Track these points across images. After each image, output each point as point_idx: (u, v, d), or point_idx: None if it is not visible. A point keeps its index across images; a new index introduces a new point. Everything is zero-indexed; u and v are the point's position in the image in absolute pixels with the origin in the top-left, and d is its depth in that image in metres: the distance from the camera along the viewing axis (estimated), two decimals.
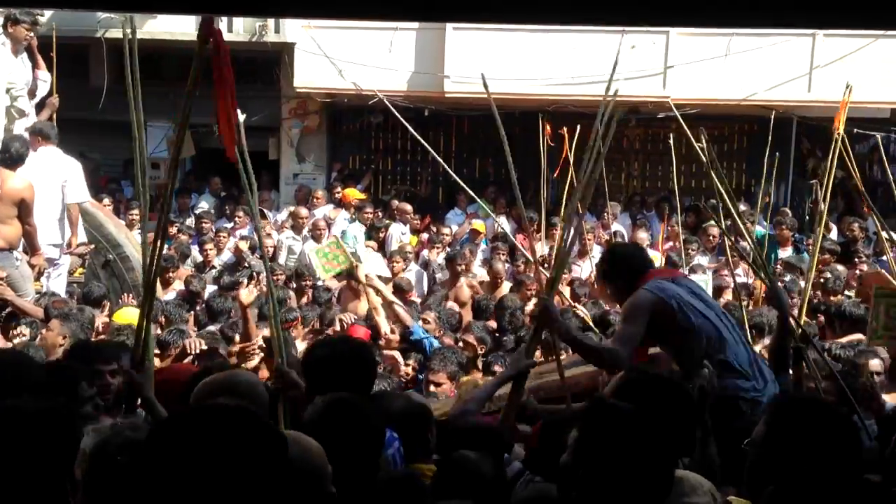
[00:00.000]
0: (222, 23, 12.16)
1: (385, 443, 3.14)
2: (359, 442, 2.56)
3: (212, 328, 6.44)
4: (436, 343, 6.02)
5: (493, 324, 7.09)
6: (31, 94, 7.94)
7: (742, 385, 3.95)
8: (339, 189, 12.28)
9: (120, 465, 2.48)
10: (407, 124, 7.52)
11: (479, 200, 7.96)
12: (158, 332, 5.79)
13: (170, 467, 1.72)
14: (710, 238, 9.97)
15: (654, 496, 2.26)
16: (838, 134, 5.60)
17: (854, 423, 2.63)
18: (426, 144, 7.14)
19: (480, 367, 5.87)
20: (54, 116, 8.11)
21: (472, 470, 2.86)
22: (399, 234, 11.32)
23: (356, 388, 3.09)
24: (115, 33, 12.21)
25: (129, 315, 6.15)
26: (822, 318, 6.60)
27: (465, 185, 6.73)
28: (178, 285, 8.43)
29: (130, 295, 7.51)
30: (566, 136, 9.07)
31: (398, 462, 3.17)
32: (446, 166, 7.21)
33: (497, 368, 5.42)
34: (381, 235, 11.24)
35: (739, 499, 2.60)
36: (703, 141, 5.23)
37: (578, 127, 8.92)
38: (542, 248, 10.21)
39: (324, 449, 2.38)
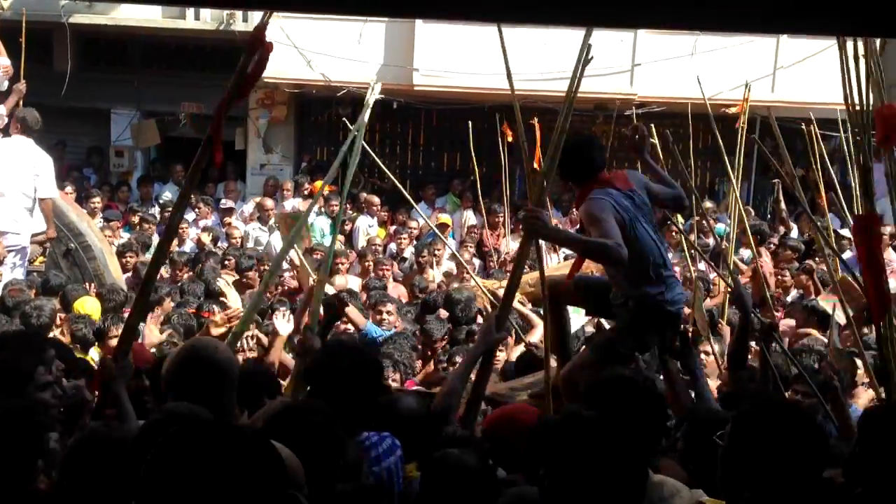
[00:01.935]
0: (189, 11, 12.04)
1: (388, 450, 3.11)
2: (309, 450, 2.49)
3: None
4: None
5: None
6: None
7: (678, 294, 4.11)
8: (307, 182, 12.22)
9: (97, 465, 2.47)
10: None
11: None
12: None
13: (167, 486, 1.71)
14: (673, 234, 10.05)
15: (626, 502, 2.28)
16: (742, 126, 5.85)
17: (818, 423, 2.64)
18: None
19: (445, 360, 5.83)
20: (21, 102, 7.97)
21: (457, 465, 2.79)
22: (366, 226, 11.30)
23: (360, 394, 3.08)
24: (79, 18, 12.04)
25: (88, 305, 6.07)
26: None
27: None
28: None
29: (92, 284, 7.42)
30: (537, 128, 9.07)
31: (398, 472, 3.15)
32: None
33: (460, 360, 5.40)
34: (348, 228, 11.20)
35: (713, 499, 2.61)
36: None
37: (536, 119, 8.94)
38: (506, 245, 10.26)
39: None
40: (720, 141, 6.29)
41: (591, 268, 5.34)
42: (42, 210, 7.50)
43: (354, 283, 8.57)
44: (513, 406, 3.93)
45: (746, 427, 2.44)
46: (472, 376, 3.86)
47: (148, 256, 9.15)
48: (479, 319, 6.58)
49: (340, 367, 3.15)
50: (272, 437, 2.47)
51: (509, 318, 5.16)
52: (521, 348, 5.75)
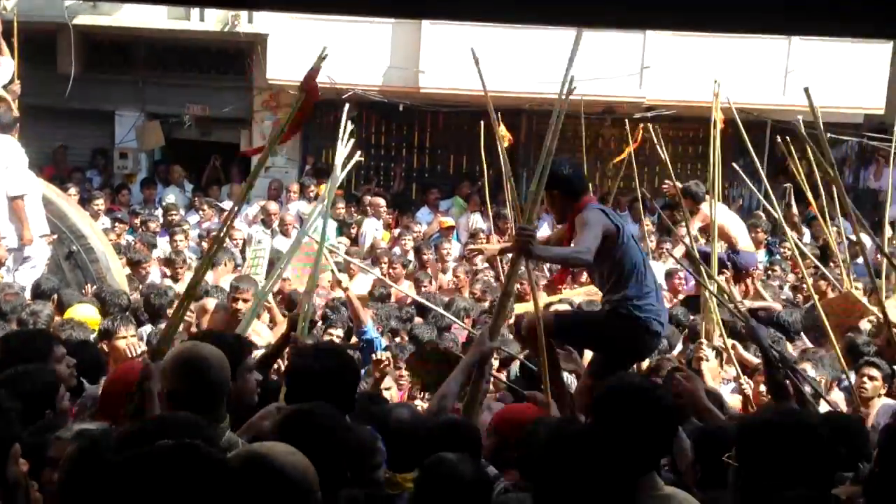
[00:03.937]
0: (195, 13, 11.98)
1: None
2: (320, 456, 2.43)
3: None
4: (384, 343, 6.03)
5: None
6: None
7: (656, 307, 4.47)
8: (313, 184, 12.16)
9: (109, 467, 2.38)
10: None
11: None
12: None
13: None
14: (678, 239, 9.92)
15: None
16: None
17: (821, 435, 2.56)
18: None
19: None
20: (14, 103, 7.89)
21: (451, 472, 2.79)
22: (372, 229, 11.22)
23: (337, 398, 3.02)
24: (83, 20, 11.99)
25: (83, 313, 5.94)
26: None
27: None
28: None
29: (94, 286, 7.32)
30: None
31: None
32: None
33: None
34: (354, 231, 11.13)
35: None
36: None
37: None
38: None
39: None
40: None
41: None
42: (14, 212, 7.23)
43: (367, 283, 8.52)
44: (522, 406, 3.92)
45: (750, 442, 2.47)
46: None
47: (155, 255, 9.13)
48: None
49: (318, 370, 3.15)
50: (284, 440, 2.41)
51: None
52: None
